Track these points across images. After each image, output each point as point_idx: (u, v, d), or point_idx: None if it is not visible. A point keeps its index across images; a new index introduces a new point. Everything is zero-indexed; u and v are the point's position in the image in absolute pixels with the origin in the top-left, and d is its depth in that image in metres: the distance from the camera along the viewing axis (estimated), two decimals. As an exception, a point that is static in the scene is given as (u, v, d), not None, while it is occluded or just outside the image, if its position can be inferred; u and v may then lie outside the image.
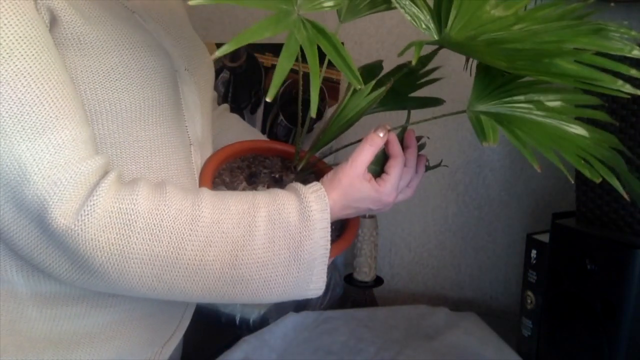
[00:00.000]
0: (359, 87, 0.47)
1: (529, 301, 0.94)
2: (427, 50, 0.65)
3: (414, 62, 0.49)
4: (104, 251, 0.49)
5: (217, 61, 1.38)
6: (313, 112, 0.45)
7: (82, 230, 0.48)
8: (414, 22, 0.56)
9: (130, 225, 0.50)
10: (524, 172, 1.15)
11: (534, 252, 0.93)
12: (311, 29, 0.50)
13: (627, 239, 0.76)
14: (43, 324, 0.57)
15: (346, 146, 0.70)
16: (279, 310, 1.05)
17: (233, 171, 0.69)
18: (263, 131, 1.20)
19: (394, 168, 0.60)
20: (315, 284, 0.58)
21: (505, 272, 1.20)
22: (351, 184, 0.59)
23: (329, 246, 0.57)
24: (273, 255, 0.54)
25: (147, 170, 0.58)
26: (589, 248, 0.79)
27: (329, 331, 0.99)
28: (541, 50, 0.51)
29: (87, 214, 0.48)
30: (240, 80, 1.23)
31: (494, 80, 0.60)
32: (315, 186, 0.58)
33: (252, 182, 0.67)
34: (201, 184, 0.64)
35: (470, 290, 1.23)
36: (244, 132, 0.81)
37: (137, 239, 0.50)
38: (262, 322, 1.01)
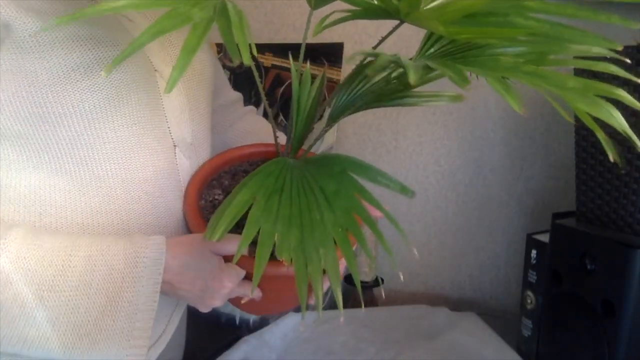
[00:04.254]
0: (238, 62, 0.43)
1: (529, 301, 0.94)
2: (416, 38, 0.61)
3: (314, 35, 0.45)
4: None
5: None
6: (168, 89, 0.40)
7: None
8: None
9: None
10: (524, 172, 1.15)
11: (534, 252, 0.93)
12: (220, 9, 0.44)
13: (627, 239, 0.76)
14: None
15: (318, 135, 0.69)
16: (279, 310, 1.05)
17: (236, 174, 0.67)
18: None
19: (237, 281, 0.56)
20: (136, 341, 0.52)
21: (505, 272, 1.20)
22: (202, 250, 0.55)
23: (156, 300, 0.52)
24: (88, 299, 0.50)
25: (122, 171, 0.57)
26: (589, 248, 0.79)
27: (329, 331, 0.99)
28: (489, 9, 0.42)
29: None
30: (240, 80, 1.23)
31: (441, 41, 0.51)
32: (157, 237, 0.55)
33: None
34: (187, 191, 0.63)
35: (470, 290, 1.24)
36: (266, 136, 0.78)
37: None
38: (262, 322, 1.01)
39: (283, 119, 1.16)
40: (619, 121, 0.39)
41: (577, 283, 0.81)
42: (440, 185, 1.21)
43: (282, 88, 1.19)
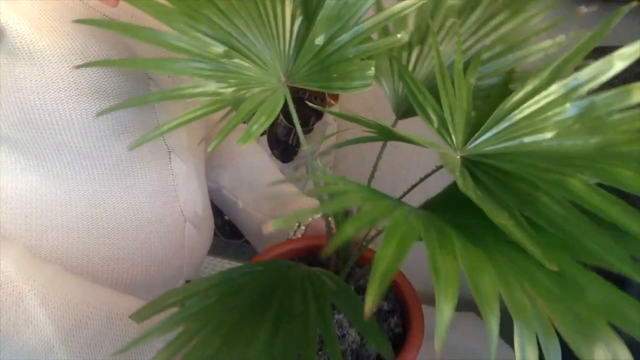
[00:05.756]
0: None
1: (529, 301, 0.94)
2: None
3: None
4: None
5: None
6: (149, 136, 0.41)
7: None
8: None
9: None
10: (524, 172, 1.15)
11: (534, 252, 0.93)
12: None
13: (627, 238, 0.76)
14: None
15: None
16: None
17: None
18: (262, 132, 1.20)
19: None
20: None
21: (505, 272, 1.20)
22: None
23: None
24: (96, 353, 0.50)
25: (110, 176, 0.57)
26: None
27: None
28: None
29: None
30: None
31: None
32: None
33: None
34: None
35: (470, 290, 1.23)
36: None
37: None
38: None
39: (282, 119, 1.17)
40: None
41: (577, 282, 0.81)
42: (441, 185, 1.20)
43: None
